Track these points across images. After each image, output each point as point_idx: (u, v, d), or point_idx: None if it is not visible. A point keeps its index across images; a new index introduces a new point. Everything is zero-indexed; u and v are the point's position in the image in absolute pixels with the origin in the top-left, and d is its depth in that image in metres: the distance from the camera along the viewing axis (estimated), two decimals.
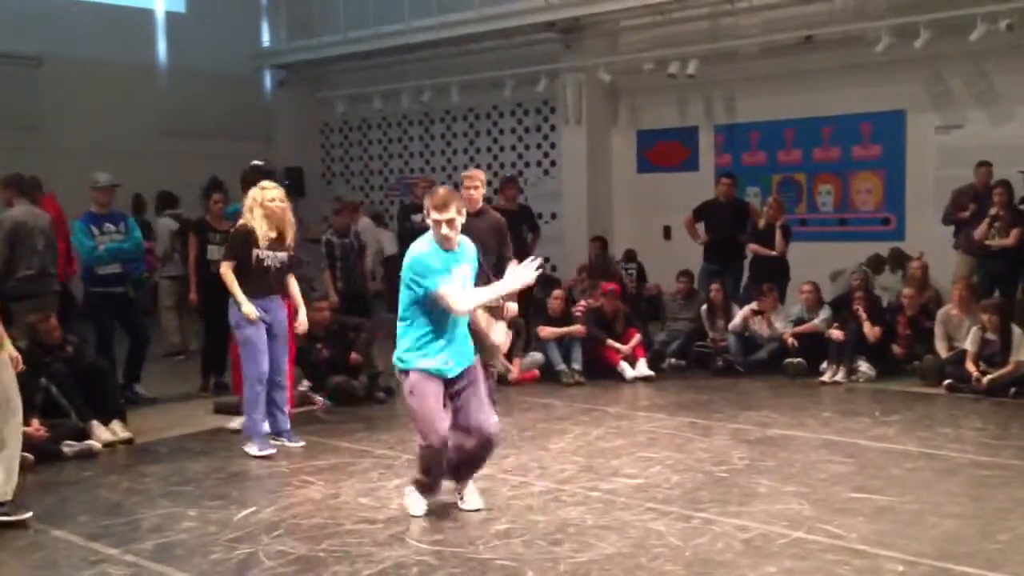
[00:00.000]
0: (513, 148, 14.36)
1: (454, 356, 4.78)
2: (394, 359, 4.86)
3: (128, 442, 6.62)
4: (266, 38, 16.53)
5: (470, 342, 4.91)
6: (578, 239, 12.66)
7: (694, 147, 12.75)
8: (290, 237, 6.39)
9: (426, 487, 4.97)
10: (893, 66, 10.71)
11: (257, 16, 16.39)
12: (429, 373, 4.74)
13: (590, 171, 13.10)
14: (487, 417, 4.83)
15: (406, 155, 15.65)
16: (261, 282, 6.23)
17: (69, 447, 6.19)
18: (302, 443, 6.46)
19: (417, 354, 4.75)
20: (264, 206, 6.21)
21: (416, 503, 4.98)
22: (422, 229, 4.95)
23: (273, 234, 6.24)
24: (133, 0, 15.02)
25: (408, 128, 15.57)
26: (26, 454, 5.87)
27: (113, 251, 7.90)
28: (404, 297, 4.78)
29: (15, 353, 5.02)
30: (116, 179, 8.13)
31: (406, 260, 4.78)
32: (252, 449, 6.26)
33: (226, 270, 6.21)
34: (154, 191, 11.87)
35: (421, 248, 4.76)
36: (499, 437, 4.96)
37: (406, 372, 4.78)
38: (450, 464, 4.91)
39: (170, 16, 15.39)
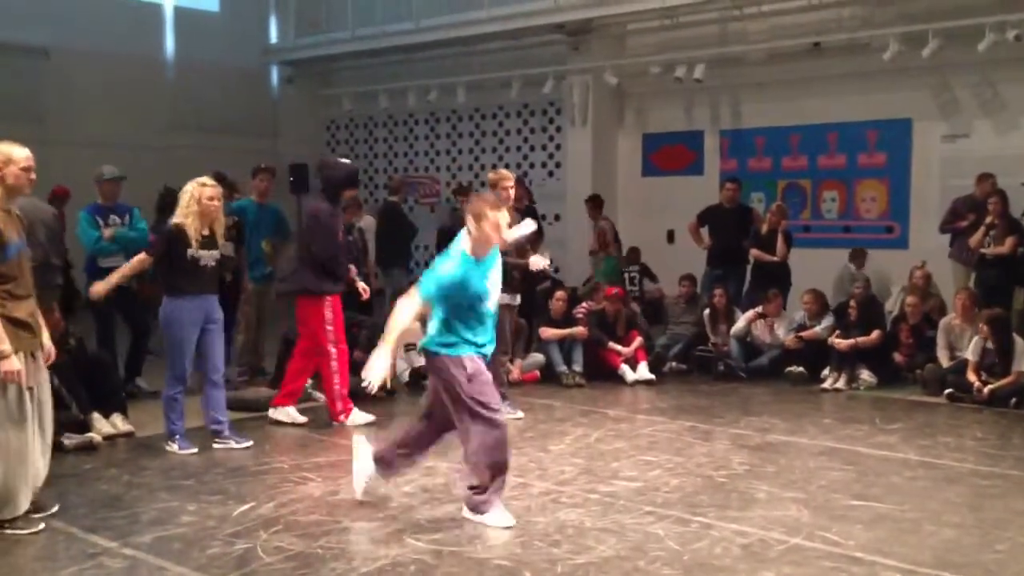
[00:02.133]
0: (518, 149, 14.37)
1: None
2: (435, 348, 4.75)
3: (129, 435, 6.62)
4: (274, 34, 16.55)
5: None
6: (582, 241, 12.67)
7: (699, 151, 12.76)
8: (219, 234, 6.36)
9: (500, 485, 4.80)
10: (900, 74, 10.72)
11: (266, 12, 16.41)
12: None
13: (595, 173, 13.11)
14: None
15: (411, 154, 15.67)
16: (196, 280, 6.18)
17: (69, 439, 6.19)
18: (249, 443, 6.39)
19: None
20: (201, 203, 6.17)
21: (501, 514, 4.76)
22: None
23: (206, 232, 6.22)
24: None
25: (414, 127, 15.58)
26: None
27: (120, 238, 7.89)
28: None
29: (48, 345, 4.87)
30: (122, 172, 8.14)
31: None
32: (174, 447, 6.23)
33: (142, 259, 6.17)
34: (159, 185, 11.88)
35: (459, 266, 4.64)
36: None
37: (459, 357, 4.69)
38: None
39: (178, 11, 15.40)
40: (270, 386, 7.98)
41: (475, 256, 4.68)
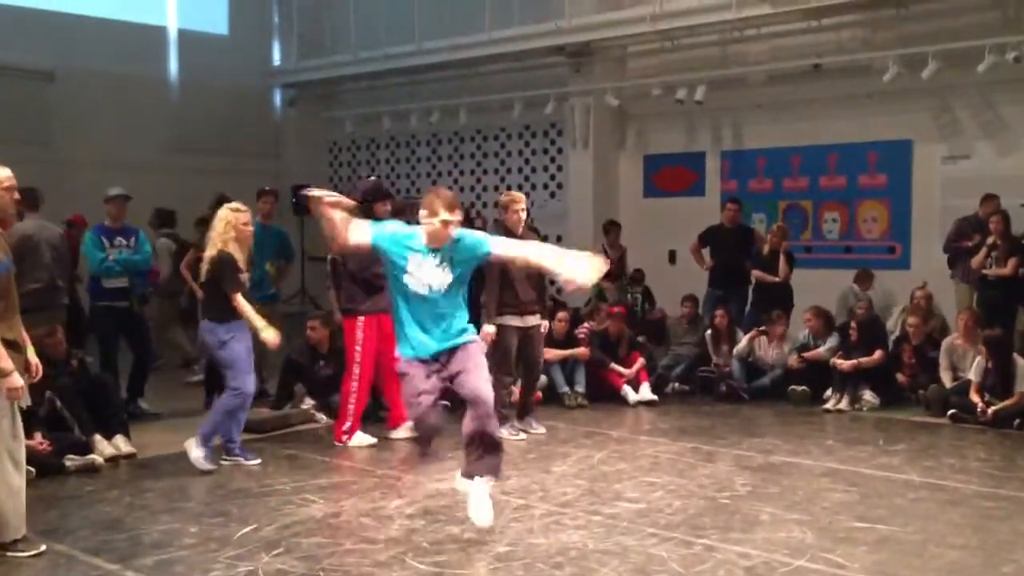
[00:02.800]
0: (520, 170, 14.41)
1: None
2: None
3: (131, 457, 6.62)
4: (277, 56, 16.65)
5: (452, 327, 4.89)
6: None
7: (701, 172, 12.78)
8: (245, 259, 6.43)
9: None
10: (900, 96, 10.76)
11: (269, 34, 16.52)
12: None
13: (596, 194, 13.13)
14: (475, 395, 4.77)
15: (413, 175, 15.71)
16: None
17: (71, 461, 6.19)
18: (257, 460, 6.46)
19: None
20: (238, 229, 6.26)
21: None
22: None
23: (241, 256, 6.31)
24: (146, 17, 15.15)
25: (416, 148, 15.63)
26: (29, 468, 5.89)
27: (123, 262, 7.93)
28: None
29: (32, 359, 4.86)
30: (126, 191, 8.18)
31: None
32: (199, 454, 6.25)
33: (241, 300, 6.18)
34: (163, 206, 11.95)
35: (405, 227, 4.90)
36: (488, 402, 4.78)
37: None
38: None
39: (182, 33, 15.51)
40: (272, 408, 7.98)
41: (425, 241, 4.79)
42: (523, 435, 7.37)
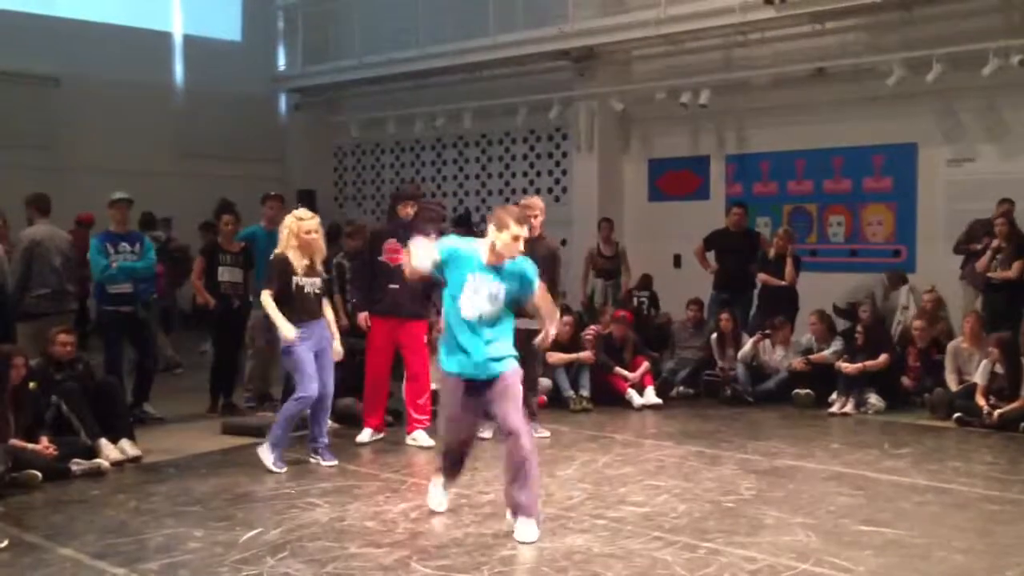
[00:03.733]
0: (525, 174, 14.42)
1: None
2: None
3: (137, 460, 6.63)
4: (282, 62, 16.69)
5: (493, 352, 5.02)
6: None
7: (705, 176, 12.79)
8: (319, 263, 6.58)
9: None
10: (905, 99, 10.75)
11: (274, 40, 16.56)
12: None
13: (601, 198, 13.14)
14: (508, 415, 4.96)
15: (418, 180, 15.72)
16: (304, 307, 6.40)
17: (77, 465, 6.21)
18: (335, 462, 6.56)
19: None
20: (300, 237, 6.42)
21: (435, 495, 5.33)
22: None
23: (306, 262, 6.45)
24: (151, 23, 15.20)
25: (421, 153, 15.66)
26: (35, 472, 5.92)
27: (126, 270, 7.96)
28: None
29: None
30: (129, 195, 8.19)
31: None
32: (268, 458, 6.36)
33: (267, 297, 6.35)
34: (167, 212, 11.99)
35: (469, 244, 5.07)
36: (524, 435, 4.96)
37: None
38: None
39: (187, 39, 15.56)
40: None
41: (487, 260, 4.94)
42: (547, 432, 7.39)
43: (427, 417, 7.26)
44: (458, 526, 5.17)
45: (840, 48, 11.35)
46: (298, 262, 6.40)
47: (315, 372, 6.38)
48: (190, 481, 6.19)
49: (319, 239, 6.53)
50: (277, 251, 6.47)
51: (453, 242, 5.12)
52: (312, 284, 6.46)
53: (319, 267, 6.59)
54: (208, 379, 8.67)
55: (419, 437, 7.20)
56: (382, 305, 7.19)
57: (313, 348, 6.40)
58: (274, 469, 6.33)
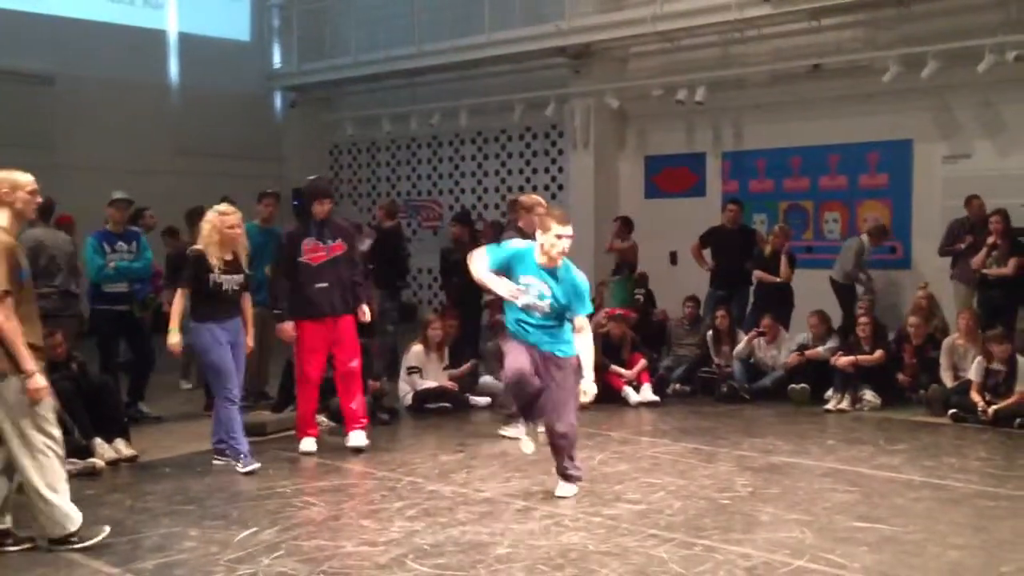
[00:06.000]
0: (521, 172, 14.42)
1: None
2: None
3: (132, 459, 6.63)
4: (278, 60, 16.67)
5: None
6: (584, 263, 12.65)
7: (701, 173, 12.79)
8: (243, 257, 6.51)
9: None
10: (901, 96, 10.76)
11: (269, 38, 16.54)
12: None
13: (597, 195, 13.14)
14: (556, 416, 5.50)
15: (414, 177, 15.73)
16: (221, 305, 6.34)
17: (72, 464, 6.16)
18: (253, 466, 6.35)
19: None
20: (222, 232, 6.33)
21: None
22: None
23: (229, 257, 6.37)
24: (146, 21, 15.18)
25: (417, 151, 15.65)
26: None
27: (122, 270, 7.95)
28: None
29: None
30: (128, 195, 8.19)
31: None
32: (240, 467, 6.31)
33: (178, 296, 6.30)
34: (165, 210, 11.94)
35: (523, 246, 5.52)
36: (570, 431, 5.60)
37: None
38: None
39: (183, 37, 15.53)
40: (273, 411, 7.98)
41: (540, 261, 5.36)
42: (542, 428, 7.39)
43: (366, 419, 7.09)
44: (453, 524, 5.17)
45: (836, 45, 11.35)
46: (217, 258, 6.30)
47: (234, 370, 6.35)
48: (185, 480, 6.19)
49: (242, 234, 6.46)
50: (195, 247, 6.39)
51: (515, 243, 5.63)
52: (231, 281, 6.38)
53: (243, 262, 6.49)
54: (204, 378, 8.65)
55: (355, 438, 6.96)
56: (314, 308, 6.84)
57: (228, 345, 6.36)
58: (250, 468, 6.26)
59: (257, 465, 6.34)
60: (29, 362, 4.57)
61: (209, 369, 6.50)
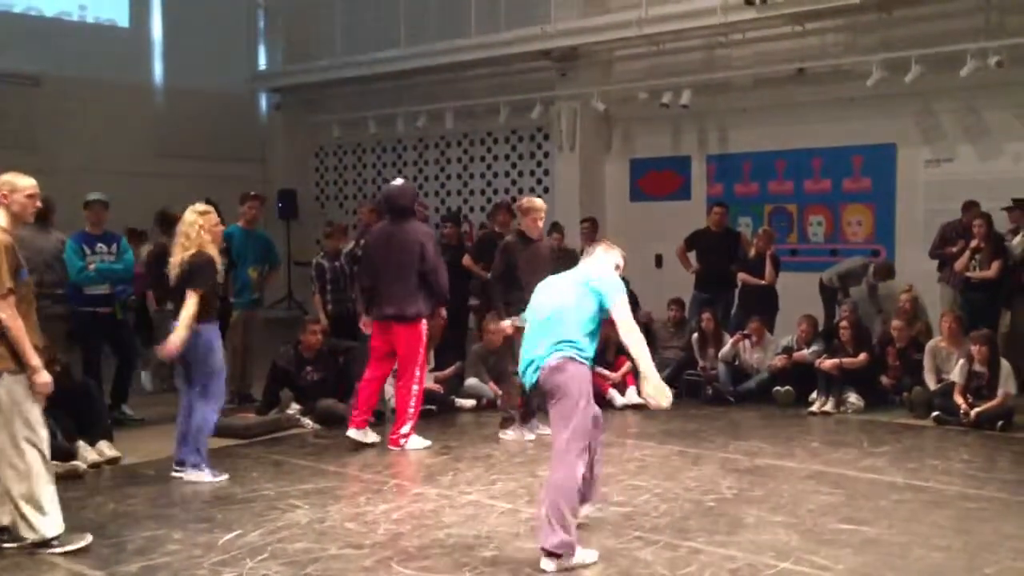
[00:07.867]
0: (507, 174, 14.42)
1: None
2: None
3: (114, 462, 6.58)
4: (263, 61, 16.62)
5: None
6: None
7: (687, 176, 12.83)
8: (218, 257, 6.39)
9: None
10: (884, 100, 10.82)
11: (254, 39, 16.49)
12: None
13: (583, 198, 13.15)
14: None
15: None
16: (215, 305, 6.29)
17: (55, 466, 6.14)
18: (220, 478, 6.24)
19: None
20: (212, 232, 6.24)
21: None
22: None
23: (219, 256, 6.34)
24: (131, 22, 15.11)
25: (402, 153, 15.63)
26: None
27: (103, 272, 7.88)
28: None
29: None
30: (104, 196, 8.11)
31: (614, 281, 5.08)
32: (210, 476, 6.17)
33: (195, 299, 5.99)
34: (149, 211, 11.88)
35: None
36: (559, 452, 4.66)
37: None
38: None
39: (168, 38, 15.47)
40: (257, 413, 7.96)
41: None
42: (531, 436, 7.37)
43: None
44: (439, 527, 5.16)
45: (820, 49, 11.42)
46: (218, 260, 6.24)
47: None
48: (169, 483, 6.16)
49: (221, 232, 6.46)
50: (200, 252, 6.10)
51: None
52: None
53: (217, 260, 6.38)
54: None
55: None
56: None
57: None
58: (217, 478, 6.15)
59: (224, 476, 6.21)
60: (34, 358, 4.62)
61: (214, 371, 6.22)
